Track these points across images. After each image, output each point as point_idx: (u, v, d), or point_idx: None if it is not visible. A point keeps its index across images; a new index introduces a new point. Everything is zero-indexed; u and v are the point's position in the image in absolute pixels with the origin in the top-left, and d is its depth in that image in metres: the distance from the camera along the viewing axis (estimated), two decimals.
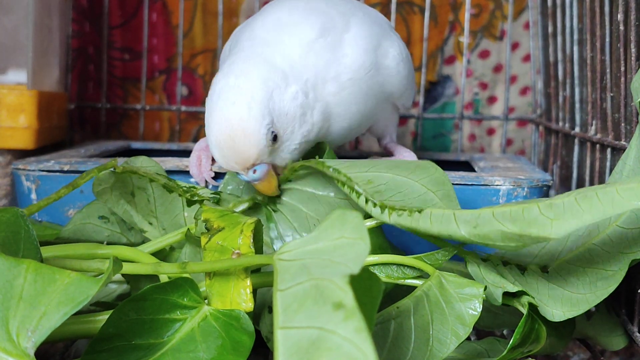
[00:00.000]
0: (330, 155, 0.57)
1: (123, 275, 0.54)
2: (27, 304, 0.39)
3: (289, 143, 0.54)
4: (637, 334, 0.53)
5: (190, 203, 0.55)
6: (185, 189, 0.55)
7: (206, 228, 0.48)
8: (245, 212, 0.55)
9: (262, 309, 0.52)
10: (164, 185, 0.55)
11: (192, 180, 0.63)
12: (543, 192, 0.62)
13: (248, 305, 0.45)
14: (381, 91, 0.61)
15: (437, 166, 0.51)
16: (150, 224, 0.56)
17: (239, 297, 0.45)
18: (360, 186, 0.49)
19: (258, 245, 0.48)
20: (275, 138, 0.53)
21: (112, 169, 0.55)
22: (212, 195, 0.56)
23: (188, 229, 0.52)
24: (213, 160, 0.63)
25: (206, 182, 0.63)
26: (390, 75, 0.62)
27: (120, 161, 0.65)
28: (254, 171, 0.53)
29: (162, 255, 0.55)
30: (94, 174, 0.54)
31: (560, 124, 0.77)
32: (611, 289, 0.48)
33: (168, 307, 0.44)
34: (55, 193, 0.54)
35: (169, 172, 0.63)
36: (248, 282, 0.45)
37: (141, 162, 0.57)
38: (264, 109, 0.52)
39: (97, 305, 0.53)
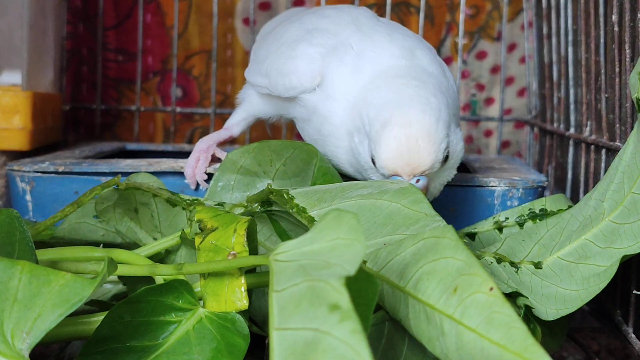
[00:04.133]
0: (321, 172, 0.57)
1: (120, 277, 0.53)
2: (22, 305, 0.38)
3: (447, 173, 0.56)
4: (632, 335, 0.54)
5: None
6: (188, 201, 0.54)
7: (200, 228, 0.48)
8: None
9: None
10: (167, 199, 0.55)
11: (186, 181, 0.63)
12: (538, 193, 0.62)
13: (243, 303, 0.45)
14: None
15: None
16: (155, 239, 0.56)
17: (234, 295, 0.45)
18: None
19: (252, 244, 0.48)
20: (446, 159, 0.54)
21: (114, 186, 0.55)
22: (217, 206, 0.55)
23: (183, 230, 0.52)
24: (210, 163, 0.63)
25: (198, 185, 0.62)
26: None
27: (117, 164, 0.65)
28: (417, 180, 0.53)
29: (158, 258, 0.54)
30: (97, 192, 0.54)
31: (555, 125, 0.78)
32: (603, 284, 0.48)
33: (163, 309, 0.44)
34: (61, 211, 0.53)
35: (164, 173, 0.63)
36: (242, 280, 0.45)
37: (142, 179, 0.57)
38: (446, 128, 0.54)
39: (93, 305, 0.53)
